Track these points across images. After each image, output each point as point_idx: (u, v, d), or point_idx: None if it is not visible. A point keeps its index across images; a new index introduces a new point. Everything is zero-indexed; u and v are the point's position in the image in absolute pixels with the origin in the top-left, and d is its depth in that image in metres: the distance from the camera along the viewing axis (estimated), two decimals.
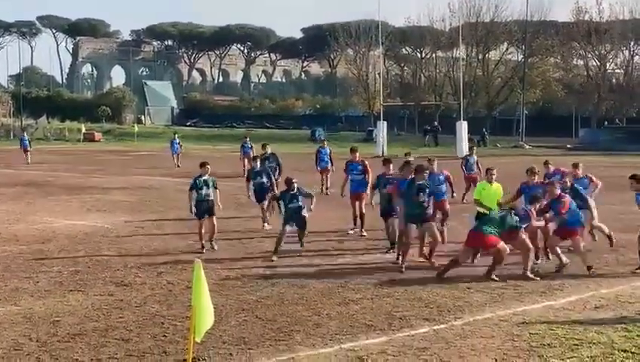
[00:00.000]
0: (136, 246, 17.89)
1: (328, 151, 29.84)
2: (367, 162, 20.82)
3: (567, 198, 15.32)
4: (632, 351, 9.94)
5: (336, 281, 14.15)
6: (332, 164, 29.14)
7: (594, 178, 18.34)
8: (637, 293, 13.11)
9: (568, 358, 9.69)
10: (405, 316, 11.72)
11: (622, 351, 9.94)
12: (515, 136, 76.30)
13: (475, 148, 27.35)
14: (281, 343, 10.41)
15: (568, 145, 65.74)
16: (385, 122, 58.90)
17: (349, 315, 11.80)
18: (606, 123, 77.33)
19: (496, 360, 9.67)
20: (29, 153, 47.48)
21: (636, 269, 14.93)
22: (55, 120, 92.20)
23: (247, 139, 38.20)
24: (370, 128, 75.31)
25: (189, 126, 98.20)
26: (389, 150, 56.69)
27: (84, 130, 77.67)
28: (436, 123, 74.67)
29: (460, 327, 11.11)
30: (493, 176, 16.92)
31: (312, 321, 11.46)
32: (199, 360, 9.57)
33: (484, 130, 71.68)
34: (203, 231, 17.30)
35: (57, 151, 62.89)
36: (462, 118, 57.09)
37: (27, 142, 48.90)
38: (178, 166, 42.51)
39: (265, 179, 20.46)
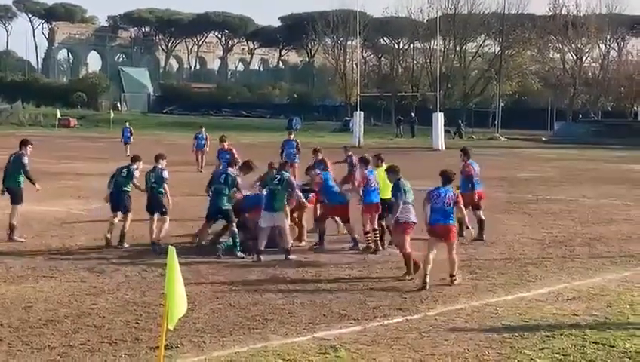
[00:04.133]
0: (111, 233, 17.76)
1: (295, 143, 28.13)
2: (234, 150, 23.19)
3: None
4: (603, 343, 10.01)
5: (311, 270, 14.17)
6: (299, 157, 27.58)
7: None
8: (609, 286, 13.21)
9: (540, 349, 9.74)
10: (379, 306, 11.75)
11: (593, 342, 10.01)
12: (490, 128, 76.65)
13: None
14: (255, 331, 10.41)
15: (543, 138, 66.17)
16: (361, 112, 58.91)
17: (322, 304, 11.80)
18: (581, 116, 77.81)
19: (468, 350, 9.70)
20: None
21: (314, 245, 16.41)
22: (30, 105, 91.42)
23: (203, 130, 35.77)
24: (347, 118, 75.35)
25: (166, 113, 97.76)
26: (365, 140, 56.79)
27: (59, 116, 77.01)
28: (413, 114, 74.77)
29: (433, 318, 11.14)
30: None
31: (285, 310, 11.46)
32: (172, 347, 9.54)
33: (460, 121, 71.90)
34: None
35: (32, 136, 62.36)
36: (438, 110, 57.18)
37: None
38: (128, 155, 40.98)
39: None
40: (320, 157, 20.37)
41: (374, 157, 17.34)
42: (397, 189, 14.06)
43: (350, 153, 24.29)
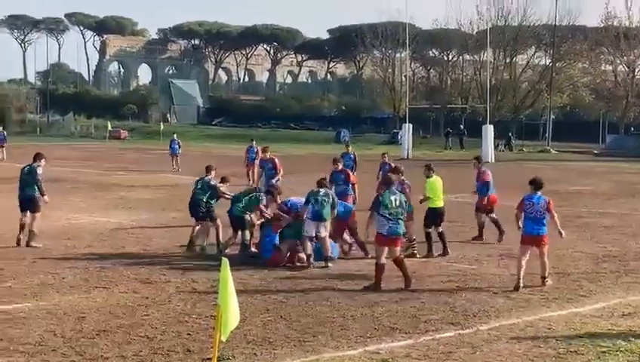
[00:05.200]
0: (161, 244, 17.93)
1: (352, 156, 26.49)
2: (277, 160, 23.47)
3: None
4: None
5: (361, 283, 14.08)
6: (355, 169, 25.55)
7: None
8: None
9: None
10: (430, 319, 11.65)
11: None
12: (541, 140, 75.89)
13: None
14: (306, 344, 10.38)
15: (595, 151, 65.29)
16: (410, 124, 58.69)
17: (373, 317, 11.74)
18: (633, 129, 76.71)
19: None
20: (3, 149, 47.60)
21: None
22: (81, 117, 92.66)
23: (254, 142, 34.30)
24: (395, 130, 75.13)
25: (215, 125, 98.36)
26: (414, 152, 56.60)
27: (110, 128, 77.92)
28: (462, 126, 74.35)
29: (485, 332, 11.02)
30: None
31: (336, 323, 11.41)
32: (224, 359, 9.54)
33: (510, 133, 71.32)
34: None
35: (83, 148, 63.21)
36: (488, 122, 56.75)
37: (3, 136, 49.15)
38: (175, 169, 40.23)
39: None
40: (340, 168, 20.61)
41: (425, 168, 17.68)
42: (376, 202, 14.06)
43: (386, 159, 24.66)
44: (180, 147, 42.49)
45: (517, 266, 13.91)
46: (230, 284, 7.49)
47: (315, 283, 14.09)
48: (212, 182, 17.56)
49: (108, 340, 10.42)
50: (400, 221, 13.94)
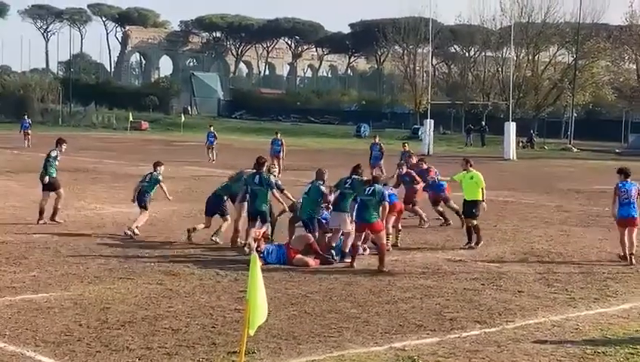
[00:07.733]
0: (184, 236, 17.86)
1: (379, 146, 30.44)
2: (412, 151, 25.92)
3: None
4: None
5: (384, 279, 14.04)
6: (382, 159, 29.22)
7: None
8: None
9: None
10: (455, 317, 11.58)
11: None
12: (563, 138, 75.45)
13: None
14: (331, 339, 10.33)
15: (617, 150, 64.78)
16: (432, 120, 58.49)
17: (398, 314, 11.68)
18: None
19: None
20: (29, 137, 49.60)
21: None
22: (103, 108, 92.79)
23: (278, 135, 36.21)
24: (416, 126, 74.91)
25: (235, 118, 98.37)
26: (434, 148, 56.41)
27: (131, 119, 78.02)
28: (483, 123, 74.03)
29: (511, 331, 10.93)
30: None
31: (361, 319, 11.36)
32: (249, 352, 9.49)
33: (531, 131, 70.93)
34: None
35: (105, 138, 63.37)
36: (510, 119, 56.44)
37: (27, 125, 51.25)
38: (212, 160, 40.73)
39: None
40: (406, 149, 26.89)
41: (463, 161, 18.57)
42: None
43: (406, 148, 26.58)
44: (215, 139, 42.90)
45: (621, 245, 15.95)
46: (259, 279, 7.47)
47: (338, 278, 14.03)
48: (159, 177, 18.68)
49: (133, 331, 10.41)
50: (371, 208, 14.88)
